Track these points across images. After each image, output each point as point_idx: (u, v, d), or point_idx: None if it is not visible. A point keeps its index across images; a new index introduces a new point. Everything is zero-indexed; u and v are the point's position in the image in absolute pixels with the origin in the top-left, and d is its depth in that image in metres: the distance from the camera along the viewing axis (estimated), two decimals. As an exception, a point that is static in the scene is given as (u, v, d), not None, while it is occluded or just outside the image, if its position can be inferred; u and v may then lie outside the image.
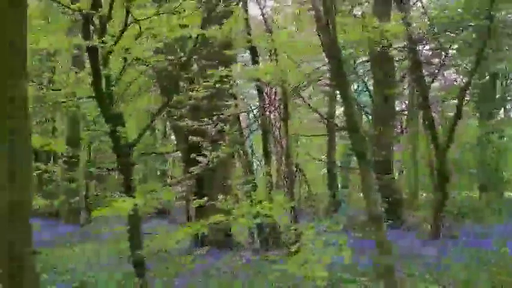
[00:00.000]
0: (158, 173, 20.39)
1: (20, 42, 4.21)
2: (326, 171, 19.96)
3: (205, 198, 5.98)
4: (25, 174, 4.34)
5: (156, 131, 20.69)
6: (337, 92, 16.60)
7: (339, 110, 21.31)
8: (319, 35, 5.08)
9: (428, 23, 12.54)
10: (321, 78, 15.76)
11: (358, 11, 15.18)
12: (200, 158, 6.86)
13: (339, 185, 21.46)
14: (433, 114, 11.78)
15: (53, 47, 6.16)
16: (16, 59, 4.19)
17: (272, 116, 11.68)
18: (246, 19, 9.56)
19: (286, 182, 10.50)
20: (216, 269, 7.70)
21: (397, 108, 18.43)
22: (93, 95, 5.80)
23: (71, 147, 10.77)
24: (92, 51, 5.52)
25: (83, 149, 14.05)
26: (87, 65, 12.08)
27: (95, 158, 15.68)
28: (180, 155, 11.94)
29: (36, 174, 12.09)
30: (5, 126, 4.19)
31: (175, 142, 12.28)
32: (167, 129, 20.44)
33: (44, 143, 7.33)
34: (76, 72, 8.42)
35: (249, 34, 9.43)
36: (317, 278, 4.52)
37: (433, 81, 13.66)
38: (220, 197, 6.08)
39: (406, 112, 19.53)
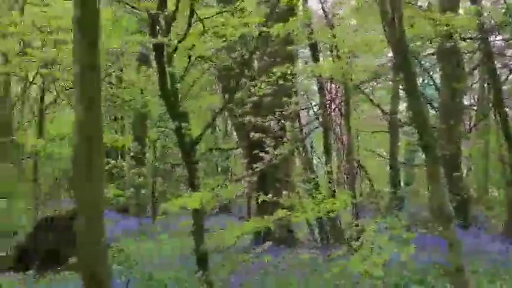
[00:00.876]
0: (219, 170, 20.74)
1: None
2: (388, 167, 19.46)
3: (270, 195, 6.01)
4: (100, 173, 4.59)
5: (217, 129, 21.04)
6: (401, 87, 16.09)
7: (402, 106, 20.68)
8: (384, 30, 4.94)
9: (503, 11, 11.79)
10: (383, 73, 15.32)
11: (423, 2, 14.58)
12: (263, 155, 6.91)
13: (402, 182, 20.84)
14: (506, 109, 11.12)
15: (122, 46, 6.42)
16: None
17: (333, 113, 11.52)
18: (307, 15, 9.48)
19: (347, 178, 10.34)
20: (273, 266, 7.71)
21: (466, 103, 17.57)
22: (160, 93, 6.01)
23: (138, 144, 11.20)
24: (158, 50, 5.71)
25: (150, 146, 14.56)
26: (153, 64, 12.51)
27: (160, 155, 16.21)
28: (241, 152, 12.08)
29: (107, 170, 12.69)
30: (84, 128, 4.44)
31: (237, 139, 12.42)
32: (228, 126, 20.73)
33: (113, 140, 7.69)
34: (143, 71, 8.76)
35: (310, 30, 9.34)
36: (374, 276, 4.42)
37: (511, 74, 12.83)
38: (284, 193, 6.09)
39: (475, 107, 18.57)
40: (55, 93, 13.40)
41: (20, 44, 8.43)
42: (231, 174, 19.10)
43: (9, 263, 9.23)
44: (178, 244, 10.56)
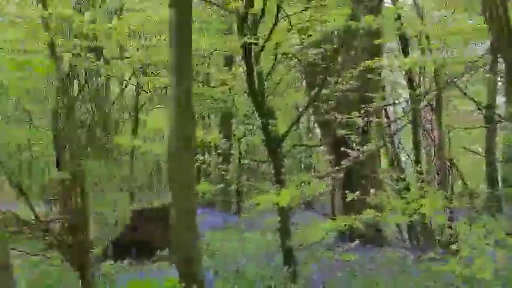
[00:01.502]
0: (302, 166, 20.70)
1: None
2: (484, 165, 18.19)
3: (358, 192, 5.91)
4: (192, 169, 4.82)
5: (301, 125, 21.01)
6: (499, 79, 15.01)
7: (500, 100, 19.23)
8: (485, 18, 4.61)
9: None
10: (477, 66, 14.33)
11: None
12: (350, 151, 6.79)
13: (500, 180, 19.37)
14: None
15: (213, 46, 6.63)
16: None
17: (423, 108, 11.00)
18: (395, 5, 9.14)
19: (438, 176, 9.83)
20: (359, 265, 7.53)
21: None
22: (247, 91, 6.13)
23: (225, 141, 11.52)
24: (246, 49, 5.83)
25: (235, 143, 14.91)
26: (236, 63, 12.78)
27: (245, 152, 16.54)
28: (324, 148, 11.95)
29: (196, 166, 13.18)
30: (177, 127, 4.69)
31: (320, 136, 12.32)
32: (311, 123, 20.63)
33: (203, 137, 7.97)
34: (229, 70, 8.99)
35: (400, 22, 9.00)
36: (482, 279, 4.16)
37: None
38: (372, 191, 5.94)
39: None
40: (149, 94, 14.19)
41: (118, 49, 9.03)
42: (314, 171, 18.98)
43: (109, 253, 9.95)
44: (263, 242, 10.73)
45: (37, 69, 5.45)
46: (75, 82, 8.93)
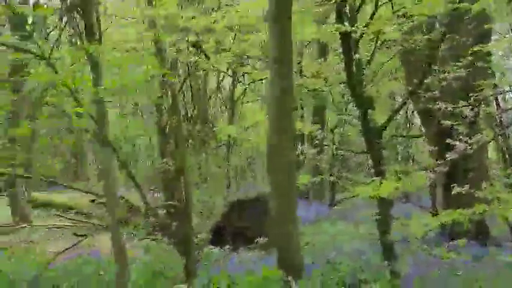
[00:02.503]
0: (399, 157, 19.94)
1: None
2: None
3: (465, 186, 5.56)
4: (292, 160, 4.85)
5: (398, 115, 20.16)
6: None
7: None
8: None
9: None
10: None
11: None
12: (456, 143, 6.40)
13: None
14: None
15: (310, 35, 6.59)
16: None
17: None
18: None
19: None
20: (461, 263, 7.08)
21: None
22: (345, 81, 6.03)
23: (320, 132, 11.43)
24: (345, 38, 5.71)
25: (329, 133, 14.74)
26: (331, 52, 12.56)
27: (339, 142, 16.32)
28: (424, 139, 11.39)
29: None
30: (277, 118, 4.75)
31: (421, 126, 11.75)
32: (410, 112, 19.75)
33: (298, 128, 8.00)
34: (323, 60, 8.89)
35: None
36: None
37: None
38: (483, 185, 5.55)
39: None
40: (244, 86, 14.53)
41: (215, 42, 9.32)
42: (413, 162, 18.19)
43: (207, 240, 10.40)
44: (356, 234, 10.56)
45: (148, 68, 5.81)
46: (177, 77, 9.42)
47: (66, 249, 5.84)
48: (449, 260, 6.55)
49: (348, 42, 5.75)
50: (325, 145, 11.71)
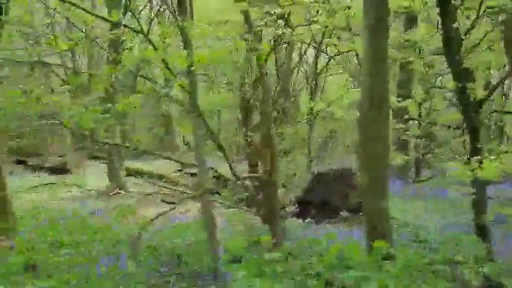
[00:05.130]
0: (491, 135, 18.69)
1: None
2: None
3: None
4: (386, 133, 4.73)
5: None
6: None
7: None
8: None
9: None
10: None
11: None
12: None
13: None
14: None
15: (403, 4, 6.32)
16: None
17: None
18: None
19: None
20: None
21: None
22: (443, 51, 5.70)
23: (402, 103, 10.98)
24: (443, 5, 5.38)
25: (415, 107, 14.11)
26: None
27: (426, 116, 15.57)
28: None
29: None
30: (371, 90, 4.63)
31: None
32: (505, 87, 18.35)
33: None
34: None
35: None
36: None
37: None
38: None
39: None
40: (328, 59, 14.25)
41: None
42: (508, 141, 16.98)
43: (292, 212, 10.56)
44: (442, 213, 10.18)
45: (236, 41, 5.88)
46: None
47: (161, 214, 6.19)
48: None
49: (447, 10, 5.41)
50: (412, 119, 11.23)
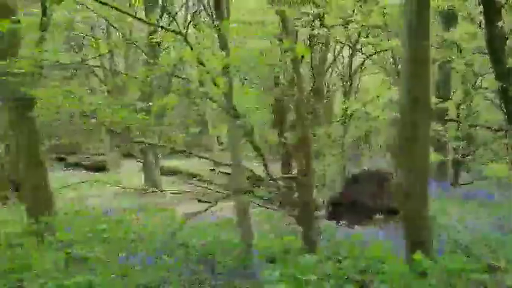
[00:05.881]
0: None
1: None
2: None
3: None
4: (426, 135, 4.61)
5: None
6: None
7: None
8: None
9: None
10: None
11: None
12: None
13: None
14: None
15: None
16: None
17: None
18: None
19: None
20: None
21: None
22: (486, 49, 5.53)
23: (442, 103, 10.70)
24: (488, 6, 5.22)
25: (454, 108, 13.75)
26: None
27: (464, 117, 15.14)
28: None
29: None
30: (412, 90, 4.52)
31: None
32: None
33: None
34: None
35: None
36: None
37: None
38: None
39: None
40: (363, 58, 14.04)
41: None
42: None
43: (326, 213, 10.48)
44: (481, 215, 9.86)
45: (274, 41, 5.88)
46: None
47: (196, 213, 6.26)
48: None
49: (491, 7, 5.24)
50: (451, 120, 10.95)
